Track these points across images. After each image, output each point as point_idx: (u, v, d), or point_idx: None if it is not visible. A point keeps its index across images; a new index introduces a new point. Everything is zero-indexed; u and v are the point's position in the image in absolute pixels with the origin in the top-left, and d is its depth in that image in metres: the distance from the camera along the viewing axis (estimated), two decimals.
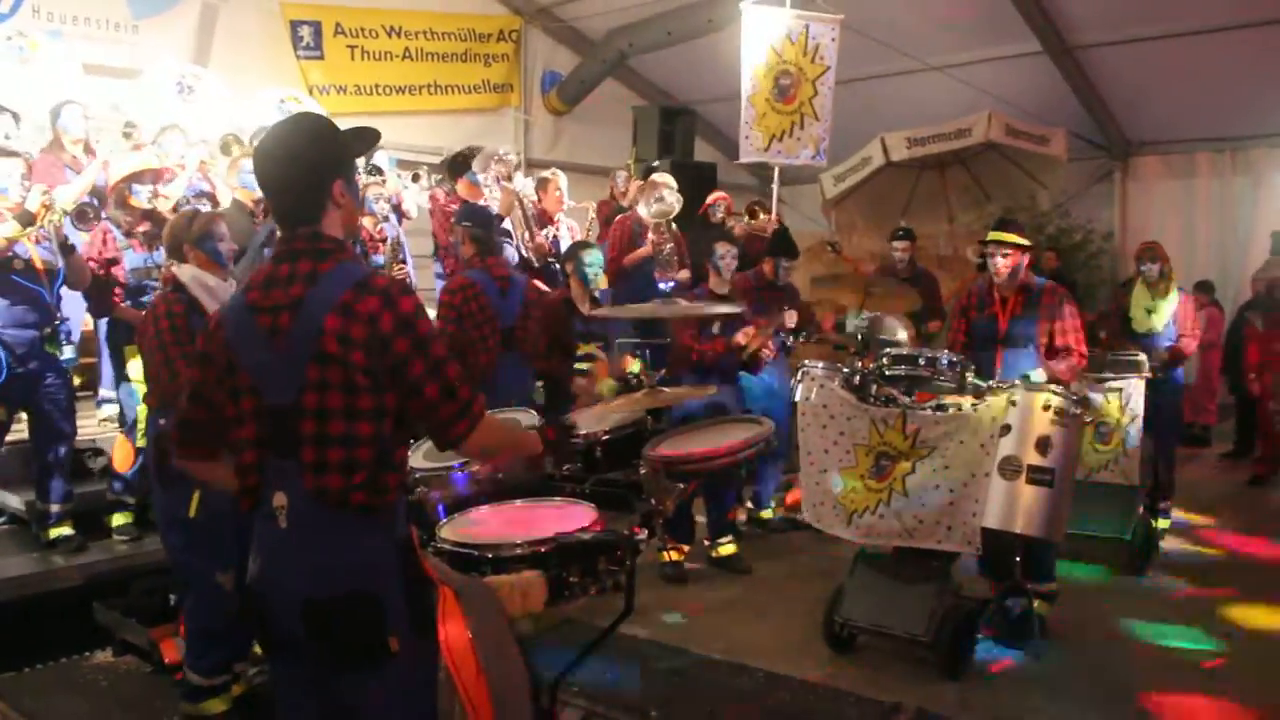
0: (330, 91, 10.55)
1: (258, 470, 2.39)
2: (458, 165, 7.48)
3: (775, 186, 8.57)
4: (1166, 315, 7.12)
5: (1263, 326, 9.18)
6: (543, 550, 2.95)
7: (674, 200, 7.93)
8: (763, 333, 6.24)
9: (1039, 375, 5.13)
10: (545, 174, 8.42)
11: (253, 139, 7.50)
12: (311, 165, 2.43)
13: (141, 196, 5.84)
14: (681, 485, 3.51)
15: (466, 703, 2.61)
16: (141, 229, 5.88)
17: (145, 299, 5.80)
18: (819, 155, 8.67)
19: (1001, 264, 5.35)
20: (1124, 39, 10.38)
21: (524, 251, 7.52)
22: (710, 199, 9.05)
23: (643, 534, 3.24)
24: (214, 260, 4.28)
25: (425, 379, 2.33)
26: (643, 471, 3.46)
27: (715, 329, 6.30)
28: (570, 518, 3.23)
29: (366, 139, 2.61)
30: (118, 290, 5.91)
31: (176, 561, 4.41)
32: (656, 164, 10.50)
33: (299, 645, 2.35)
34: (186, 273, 4.21)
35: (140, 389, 5.82)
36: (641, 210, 7.97)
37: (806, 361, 5.33)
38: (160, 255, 5.79)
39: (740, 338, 6.19)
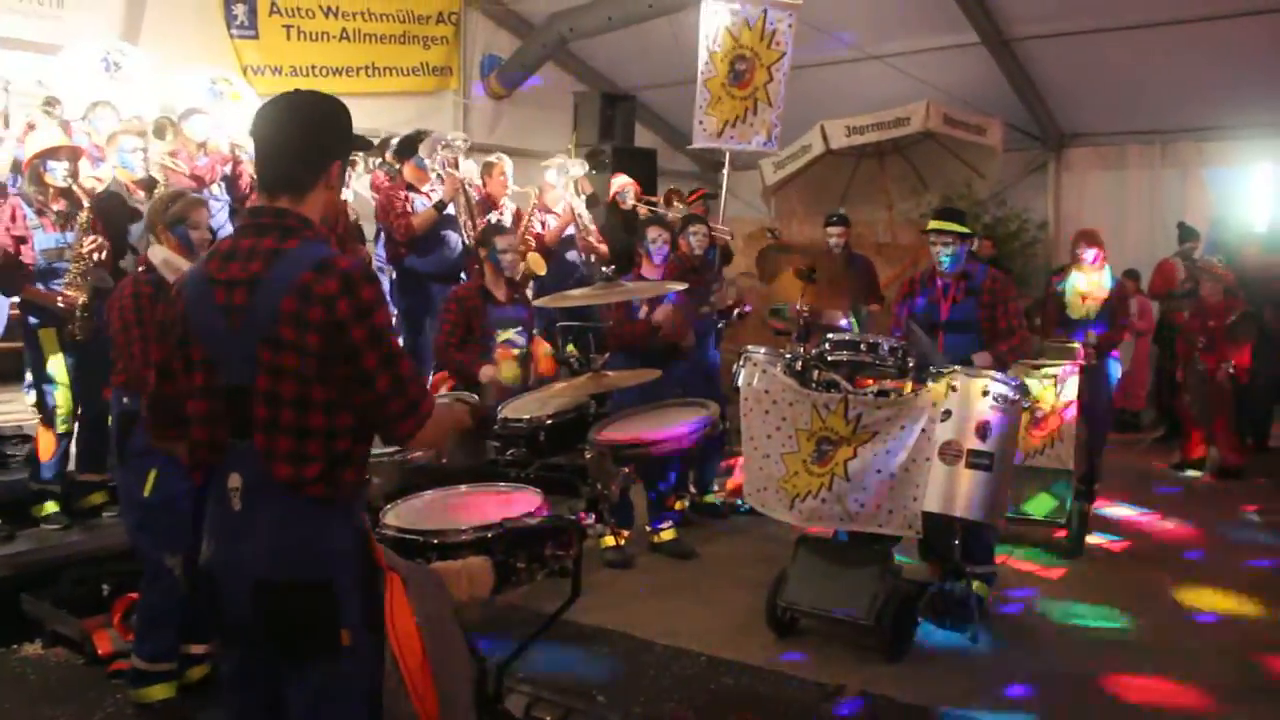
0: (265, 72, 10.31)
1: (209, 447, 2.33)
2: (405, 148, 7.39)
3: (726, 173, 8.55)
4: (1100, 303, 7.23)
5: (1189, 317, 9.41)
6: (489, 536, 2.93)
7: (576, 169, 8.39)
8: (678, 311, 6.24)
9: (982, 359, 5.20)
10: (490, 159, 8.38)
11: (182, 119, 7.34)
12: (318, 137, 2.40)
13: (57, 174, 5.64)
14: (625, 470, 3.49)
15: (411, 691, 2.57)
16: (56, 208, 5.68)
17: (56, 282, 5.60)
18: (770, 141, 8.66)
19: (944, 252, 5.41)
20: (1059, 32, 10.55)
21: (467, 240, 7.45)
22: (616, 187, 9.06)
23: (589, 519, 3.23)
24: (184, 246, 4.18)
25: (377, 371, 2.27)
26: (588, 456, 3.45)
27: (641, 311, 6.27)
28: (516, 503, 3.21)
29: (360, 143, 2.58)
30: (27, 271, 5.64)
31: (132, 542, 4.34)
32: (604, 149, 10.49)
33: (249, 630, 2.29)
34: (158, 254, 4.14)
35: (61, 382, 5.67)
36: (551, 177, 8.29)
37: (749, 347, 5.34)
38: (72, 236, 5.63)
39: (658, 314, 6.18)
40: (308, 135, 2.38)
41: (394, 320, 6.90)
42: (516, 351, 5.77)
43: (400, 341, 2.39)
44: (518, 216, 8.29)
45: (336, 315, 2.22)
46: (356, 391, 2.29)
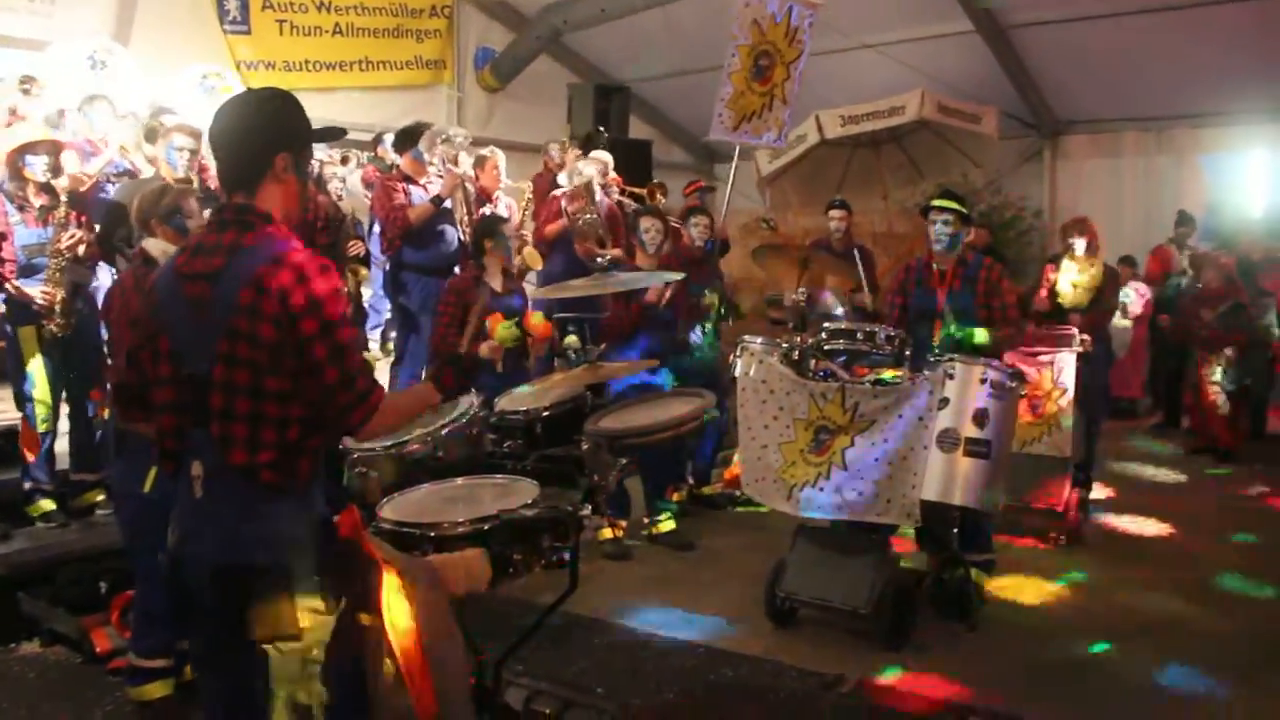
0: (258, 67, 10.30)
1: (175, 436, 2.45)
2: (404, 140, 7.34)
3: (734, 166, 8.54)
4: (1092, 290, 7.23)
5: (1189, 302, 9.33)
6: (486, 528, 2.92)
7: (590, 171, 7.98)
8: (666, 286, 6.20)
9: (982, 336, 5.17)
10: (483, 151, 8.33)
11: (153, 116, 7.29)
12: (256, 130, 2.48)
13: (36, 169, 5.60)
14: (624, 460, 3.48)
15: (409, 684, 2.57)
16: (39, 202, 5.63)
17: (37, 277, 5.53)
18: (780, 139, 8.70)
19: (943, 230, 5.37)
20: (1053, 19, 10.55)
21: (463, 236, 7.41)
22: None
23: (586, 510, 3.22)
24: (180, 235, 4.15)
25: (326, 363, 2.34)
26: (585, 447, 3.44)
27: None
28: (512, 494, 3.20)
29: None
30: (8, 267, 5.55)
31: (124, 538, 4.31)
32: (602, 130, 10.44)
33: (211, 615, 2.38)
34: (156, 247, 4.11)
35: (40, 378, 5.62)
36: (562, 179, 7.96)
37: (745, 336, 5.33)
38: (51, 232, 5.59)
39: (651, 295, 6.16)
40: (250, 132, 2.47)
41: (385, 317, 6.72)
42: (507, 315, 5.74)
43: (355, 334, 2.43)
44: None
45: (289, 307, 2.30)
46: (307, 382, 2.36)
